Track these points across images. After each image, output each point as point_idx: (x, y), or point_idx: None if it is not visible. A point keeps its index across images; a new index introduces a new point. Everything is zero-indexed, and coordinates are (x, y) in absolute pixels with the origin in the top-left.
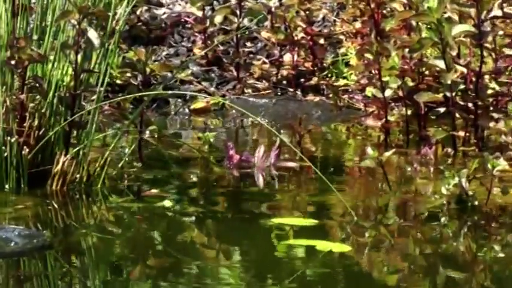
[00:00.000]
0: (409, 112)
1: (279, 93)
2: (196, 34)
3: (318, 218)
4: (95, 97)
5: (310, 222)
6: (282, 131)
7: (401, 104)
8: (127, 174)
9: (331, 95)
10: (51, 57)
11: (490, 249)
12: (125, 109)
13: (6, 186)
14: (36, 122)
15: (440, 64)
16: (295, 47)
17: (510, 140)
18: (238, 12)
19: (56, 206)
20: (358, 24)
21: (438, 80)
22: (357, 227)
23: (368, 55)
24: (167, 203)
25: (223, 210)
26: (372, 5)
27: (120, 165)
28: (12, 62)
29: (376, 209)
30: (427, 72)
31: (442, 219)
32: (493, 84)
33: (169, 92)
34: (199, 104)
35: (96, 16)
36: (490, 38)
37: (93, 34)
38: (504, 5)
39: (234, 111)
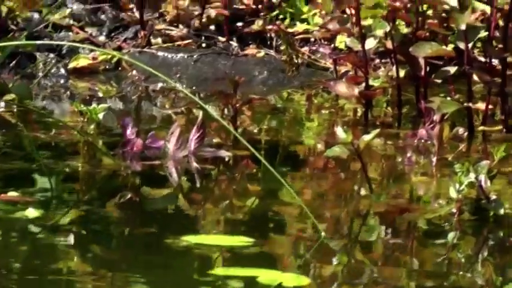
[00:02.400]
0: (402, 73)
1: (204, 45)
2: None
3: (261, 235)
4: None
5: (247, 241)
6: (207, 102)
7: (390, 61)
8: None
9: (283, 47)
10: None
11: None
12: None
13: None
14: None
15: (451, 0)
16: None
17: None
18: None
19: None
20: None
21: (447, 24)
22: (321, 248)
23: None
24: (31, 213)
25: (116, 223)
26: None
27: None
28: None
29: (351, 221)
30: (429, 12)
31: (450, 236)
32: None
33: (37, 42)
34: (82, 61)
35: None
36: None
37: None
38: None
39: (134, 71)
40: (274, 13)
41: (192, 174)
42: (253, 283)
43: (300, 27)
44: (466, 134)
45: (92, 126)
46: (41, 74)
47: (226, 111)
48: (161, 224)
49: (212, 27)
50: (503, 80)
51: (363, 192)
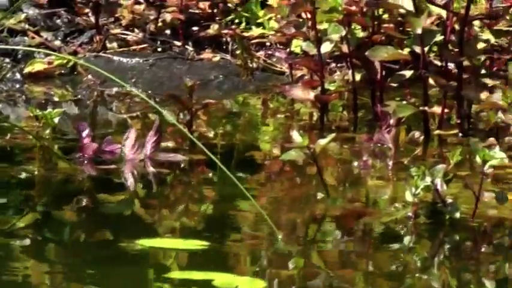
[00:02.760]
0: (357, 77)
1: (160, 49)
2: None
3: (217, 239)
4: None
5: (203, 245)
6: (163, 106)
7: (346, 65)
8: None
9: (238, 52)
10: None
11: (478, 287)
12: None
13: None
14: None
15: (406, 4)
16: None
17: (511, 118)
18: None
19: None
20: None
21: (403, 28)
22: (277, 252)
23: None
24: None
25: (71, 227)
26: None
27: None
28: None
29: (306, 224)
30: (385, 17)
31: (406, 239)
32: (487, 35)
33: None
34: (37, 66)
35: None
36: None
37: None
38: None
39: (90, 76)
40: (230, 17)
41: (148, 178)
42: (209, 287)
43: (255, 31)
44: (422, 137)
45: (48, 131)
46: None
47: (182, 115)
48: (116, 227)
49: (168, 32)
50: (459, 84)
51: (319, 196)
